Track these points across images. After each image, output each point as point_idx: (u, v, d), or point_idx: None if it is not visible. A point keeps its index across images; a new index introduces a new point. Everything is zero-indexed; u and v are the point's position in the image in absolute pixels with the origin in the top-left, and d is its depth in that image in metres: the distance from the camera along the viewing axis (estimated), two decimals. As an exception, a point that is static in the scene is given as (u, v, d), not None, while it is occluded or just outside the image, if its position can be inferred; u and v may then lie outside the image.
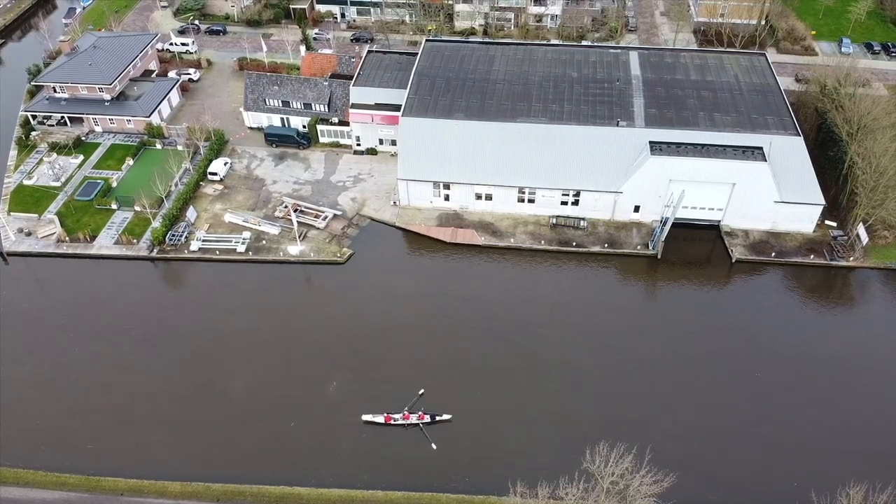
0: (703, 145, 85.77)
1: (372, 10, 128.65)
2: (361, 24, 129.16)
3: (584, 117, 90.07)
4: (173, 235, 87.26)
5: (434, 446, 66.46)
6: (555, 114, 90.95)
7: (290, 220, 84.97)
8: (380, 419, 68.56)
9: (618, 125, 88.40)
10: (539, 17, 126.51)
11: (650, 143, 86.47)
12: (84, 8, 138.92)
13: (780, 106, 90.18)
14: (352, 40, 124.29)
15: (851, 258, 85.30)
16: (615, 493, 54.89)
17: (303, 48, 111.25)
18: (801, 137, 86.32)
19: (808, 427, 68.00)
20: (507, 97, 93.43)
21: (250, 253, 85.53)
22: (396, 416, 68.66)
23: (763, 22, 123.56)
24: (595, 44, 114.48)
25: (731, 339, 76.62)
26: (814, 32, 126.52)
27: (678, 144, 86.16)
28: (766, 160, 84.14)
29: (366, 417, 68.75)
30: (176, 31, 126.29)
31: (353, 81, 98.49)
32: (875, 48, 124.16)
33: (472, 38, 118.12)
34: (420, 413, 68.75)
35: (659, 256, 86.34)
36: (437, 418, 68.59)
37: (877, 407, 69.98)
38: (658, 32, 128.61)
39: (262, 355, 74.74)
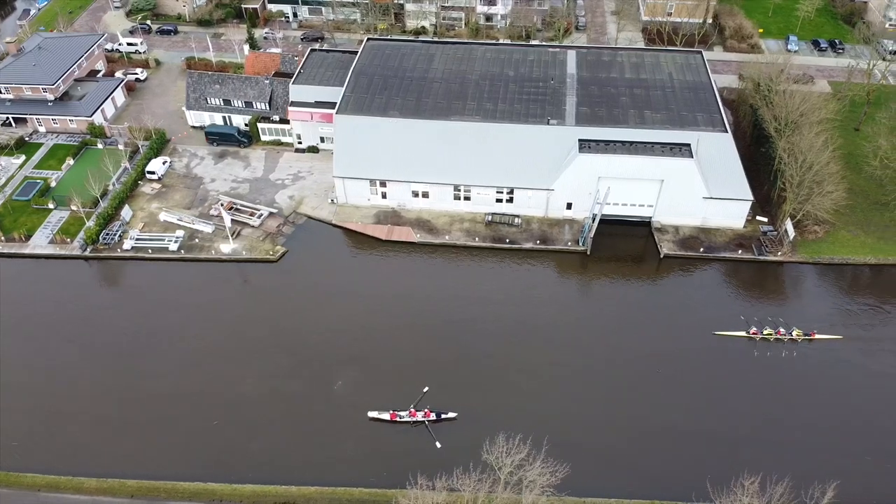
0: (632, 143, 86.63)
1: (323, 9, 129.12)
2: (313, 23, 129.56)
3: (516, 116, 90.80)
4: (107, 235, 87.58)
5: (438, 444, 66.36)
6: (489, 112, 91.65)
7: (224, 217, 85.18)
8: (385, 416, 68.77)
9: (548, 123, 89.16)
10: (489, 17, 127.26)
11: (579, 140, 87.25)
12: (39, 9, 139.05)
13: (710, 103, 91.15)
14: (302, 40, 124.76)
15: (779, 253, 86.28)
16: (513, 485, 55.64)
17: (246, 47, 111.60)
18: (729, 134, 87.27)
19: (712, 419, 68.93)
20: (444, 96, 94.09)
21: (182, 252, 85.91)
22: (402, 413, 68.78)
23: (709, 21, 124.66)
24: (534, 43, 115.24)
25: (649, 333, 77.42)
26: (761, 30, 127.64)
27: (607, 142, 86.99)
28: (692, 157, 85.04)
29: (371, 414, 68.97)
30: (127, 32, 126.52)
31: (292, 79, 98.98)
32: (822, 45, 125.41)
33: (415, 38, 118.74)
34: (426, 410, 68.89)
35: (588, 252, 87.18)
36: (443, 416, 68.76)
37: (785, 400, 71.00)
38: (607, 31, 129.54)
39: (187, 354, 75.09)
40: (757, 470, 57.84)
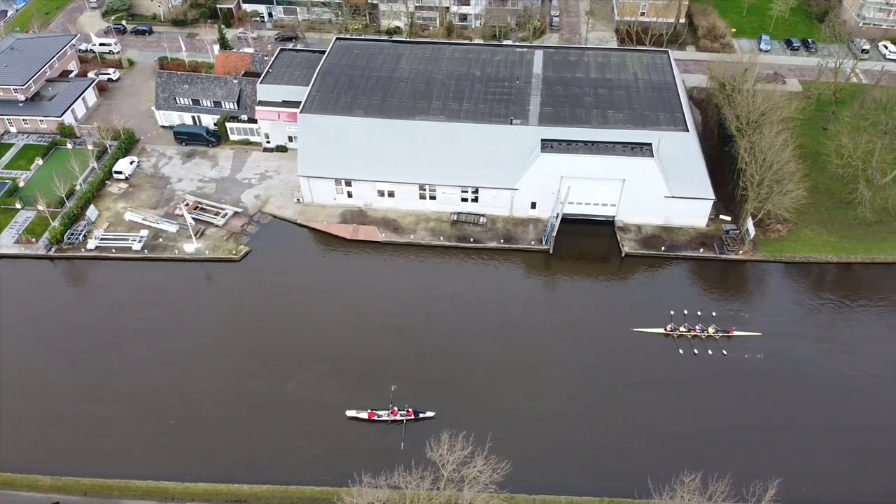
0: (594, 142, 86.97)
1: (298, 9, 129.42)
2: (288, 23, 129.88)
3: (480, 115, 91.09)
4: (72, 234, 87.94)
5: (403, 445, 66.24)
6: (453, 112, 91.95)
7: (185, 217, 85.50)
8: (363, 415, 68.98)
9: (511, 123, 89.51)
10: (463, 17, 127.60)
11: (542, 140, 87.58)
12: (17, 10, 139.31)
13: (673, 102, 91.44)
14: (276, 39, 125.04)
15: (740, 252, 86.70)
16: (457, 482, 56.02)
17: (216, 47, 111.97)
18: (691, 133, 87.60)
19: (654, 418, 69.40)
20: (409, 95, 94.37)
21: (146, 251, 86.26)
22: (381, 412, 68.95)
23: (682, 20, 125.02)
24: (502, 43, 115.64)
25: (599, 332, 77.96)
26: (734, 30, 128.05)
27: (569, 142, 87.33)
28: (653, 156, 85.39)
29: (350, 413, 69.14)
30: (102, 32, 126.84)
31: (260, 79, 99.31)
32: (794, 44, 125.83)
33: (384, 38, 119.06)
34: (407, 409, 68.99)
35: (551, 251, 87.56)
36: (421, 415, 68.96)
37: (720, 397, 71.64)
38: (580, 31, 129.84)
39: (147, 353, 75.43)
40: (699, 467, 58.14)
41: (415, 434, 66.28)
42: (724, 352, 75.67)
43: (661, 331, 77.48)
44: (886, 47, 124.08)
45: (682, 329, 77.39)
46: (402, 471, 55.91)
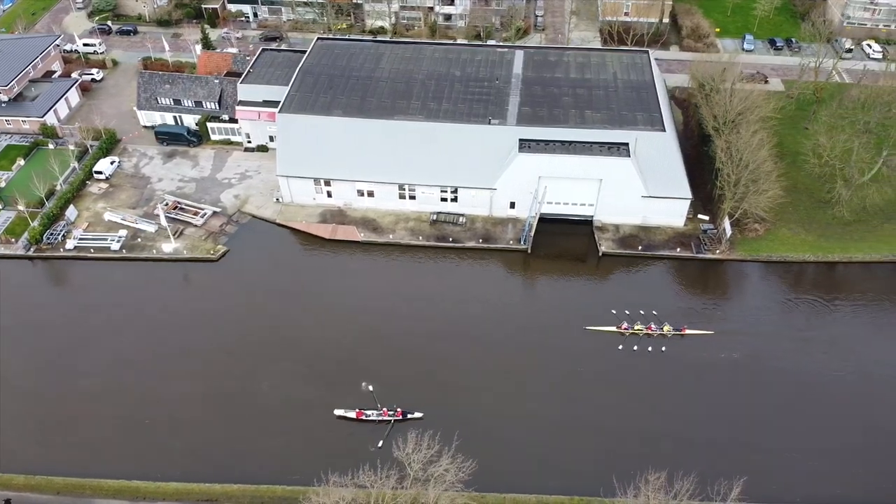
0: (571, 142, 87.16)
1: (283, 9, 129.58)
2: (272, 23, 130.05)
3: (459, 115, 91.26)
4: (51, 234, 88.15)
5: (380, 444, 66.21)
6: (432, 112, 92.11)
7: (160, 217, 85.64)
8: (351, 414, 69.13)
9: (489, 123, 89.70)
10: (447, 17, 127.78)
11: (519, 140, 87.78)
12: (4, 11, 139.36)
13: (651, 102, 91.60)
14: (261, 39, 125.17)
15: (717, 251, 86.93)
16: (423, 481, 56.27)
17: (198, 47, 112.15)
18: (668, 133, 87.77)
19: (628, 416, 69.66)
20: (389, 95, 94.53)
21: (124, 251, 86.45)
22: (370, 412, 69.11)
23: (665, 20, 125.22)
24: (483, 43, 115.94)
25: (562, 330, 77.95)
26: (718, 30, 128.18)
27: (547, 142, 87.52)
28: (630, 156, 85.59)
29: (338, 412, 69.31)
30: (87, 32, 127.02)
31: (241, 79, 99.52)
32: (778, 44, 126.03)
33: (366, 38, 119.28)
34: (397, 410, 69.14)
35: (529, 251, 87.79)
36: (410, 416, 69.09)
37: (694, 396, 71.96)
38: (565, 31, 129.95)
39: (122, 353, 75.58)
40: (664, 465, 58.35)
41: (397, 434, 66.54)
42: (668, 350, 75.96)
43: (614, 329, 77.76)
44: (870, 46, 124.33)
45: (637, 327, 77.61)
46: (366, 470, 56.08)
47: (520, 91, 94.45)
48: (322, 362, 74.77)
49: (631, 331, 77.49)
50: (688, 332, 77.55)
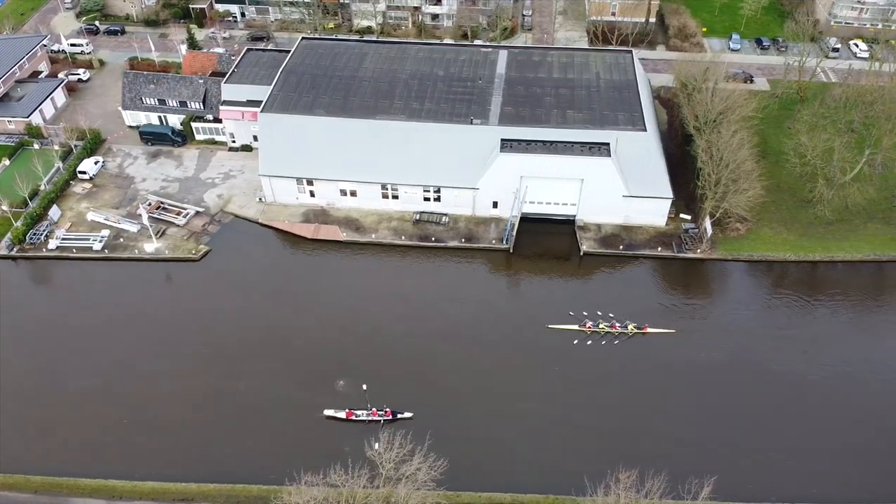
0: (553, 142, 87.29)
1: (271, 9, 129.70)
2: (260, 23, 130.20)
3: (441, 115, 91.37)
4: (34, 235, 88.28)
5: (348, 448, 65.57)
6: (414, 111, 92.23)
7: (142, 217, 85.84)
8: (341, 415, 69.23)
9: (471, 123, 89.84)
10: (435, 17, 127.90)
11: (501, 140, 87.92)
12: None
13: (633, 102, 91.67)
14: (248, 39, 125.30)
15: (698, 251, 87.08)
16: (395, 480, 56.49)
17: (183, 47, 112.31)
18: (648, 133, 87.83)
19: (588, 414, 69.92)
20: (372, 95, 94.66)
21: (106, 251, 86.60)
22: (360, 412, 69.16)
23: (652, 20, 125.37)
24: (468, 43, 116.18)
25: (524, 329, 78.21)
26: (704, 29, 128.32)
27: (528, 142, 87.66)
28: (610, 156, 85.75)
29: (327, 413, 69.42)
30: (75, 33, 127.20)
31: (225, 79, 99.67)
32: (764, 43, 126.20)
33: (350, 38, 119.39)
34: (386, 410, 69.21)
35: (511, 251, 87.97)
36: (399, 415, 69.15)
37: (673, 396, 72.03)
38: (553, 31, 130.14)
39: (103, 353, 75.77)
40: (635, 464, 58.49)
41: (370, 434, 66.81)
42: (637, 348, 76.40)
43: (576, 327, 78.00)
44: (857, 45, 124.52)
45: (600, 326, 77.82)
46: (338, 469, 56.31)
47: (502, 91, 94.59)
48: (303, 362, 74.84)
49: (594, 329, 77.68)
50: (649, 330, 77.70)
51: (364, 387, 69.48)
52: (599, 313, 79.15)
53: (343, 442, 66.60)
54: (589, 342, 76.72)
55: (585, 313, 79.00)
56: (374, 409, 69.36)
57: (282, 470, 63.89)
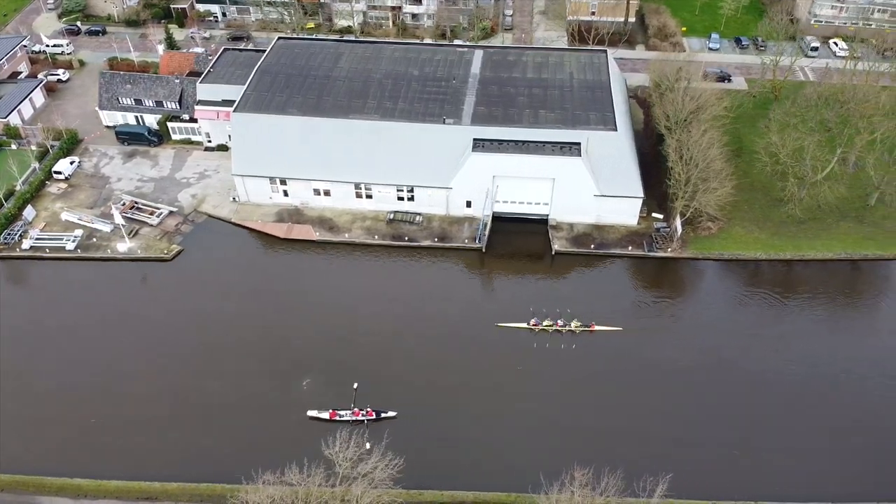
0: (524, 142, 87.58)
1: (251, 9, 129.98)
2: (240, 23, 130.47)
3: (414, 115, 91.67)
4: (8, 234, 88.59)
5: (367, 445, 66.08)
6: (387, 111, 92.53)
7: (115, 216, 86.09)
8: (325, 415, 69.24)
9: (444, 123, 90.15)
10: (415, 16, 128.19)
11: (474, 139, 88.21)
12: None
13: (605, 102, 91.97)
14: (228, 39, 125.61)
15: (669, 249, 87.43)
16: (352, 479, 56.81)
17: (160, 47, 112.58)
18: (619, 133, 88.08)
19: (563, 413, 70.27)
20: (346, 94, 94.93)
21: (79, 251, 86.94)
22: (343, 412, 69.17)
23: (632, 19, 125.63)
24: (446, 42, 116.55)
25: (474, 328, 78.57)
26: (684, 29, 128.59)
27: (500, 141, 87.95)
28: (581, 155, 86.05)
29: (311, 413, 69.46)
30: (57, 33, 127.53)
31: (200, 78, 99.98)
32: (743, 43, 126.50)
33: (328, 37, 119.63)
34: (368, 409, 69.40)
35: (483, 250, 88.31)
36: (383, 415, 69.32)
37: (631, 394, 72.37)
38: (533, 31, 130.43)
39: (73, 352, 76.08)
40: (591, 461, 58.83)
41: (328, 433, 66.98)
42: (580, 346, 76.89)
43: (525, 325, 78.38)
44: (837, 44, 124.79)
45: (545, 324, 78.14)
46: (292, 468, 56.65)
47: (476, 91, 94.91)
48: (272, 361, 75.12)
49: (541, 327, 78.02)
50: (596, 328, 78.10)
51: (355, 385, 70.01)
52: (545, 310, 79.27)
53: (320, 443, 66.79)
54: (547, 344, 77.07)
55: (532, 309, 79.39)
56: (356, 409, 69.53)
57: (256, 467, 64.17)
